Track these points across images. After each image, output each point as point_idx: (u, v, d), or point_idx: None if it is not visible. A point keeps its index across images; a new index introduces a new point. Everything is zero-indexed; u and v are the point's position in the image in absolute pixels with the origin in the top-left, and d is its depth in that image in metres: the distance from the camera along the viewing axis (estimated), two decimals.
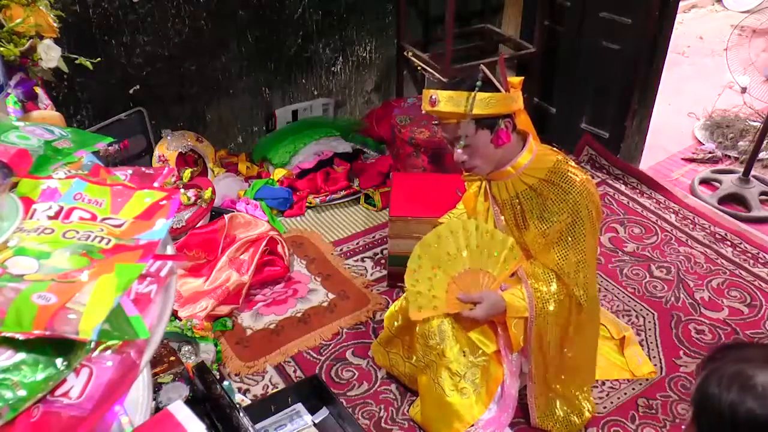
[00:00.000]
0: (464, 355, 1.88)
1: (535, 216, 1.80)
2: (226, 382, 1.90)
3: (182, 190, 2.74)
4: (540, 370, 1.91)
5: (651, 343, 2.35)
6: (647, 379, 2.21)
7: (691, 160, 3.50)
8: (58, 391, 0.70)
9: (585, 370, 2.01)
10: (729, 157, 3.49)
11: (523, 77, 1.81)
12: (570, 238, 1.79)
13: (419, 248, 1.90)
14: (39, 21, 1.47)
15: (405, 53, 3.38)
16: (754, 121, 3.67)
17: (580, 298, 1.83)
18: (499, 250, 1.86)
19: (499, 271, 1.87)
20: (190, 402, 1.27)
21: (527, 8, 3.56)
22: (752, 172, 3.17)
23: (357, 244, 2.86)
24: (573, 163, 1.83)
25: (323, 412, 2.00)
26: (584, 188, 1.76)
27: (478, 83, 1.70)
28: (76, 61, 1.63)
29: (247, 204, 2.89)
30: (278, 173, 3.13)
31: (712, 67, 4.41)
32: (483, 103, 1.69)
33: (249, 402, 2.04)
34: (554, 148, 1.89)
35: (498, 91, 1.72)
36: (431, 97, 1.76)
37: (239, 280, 2.45)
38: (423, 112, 1.87)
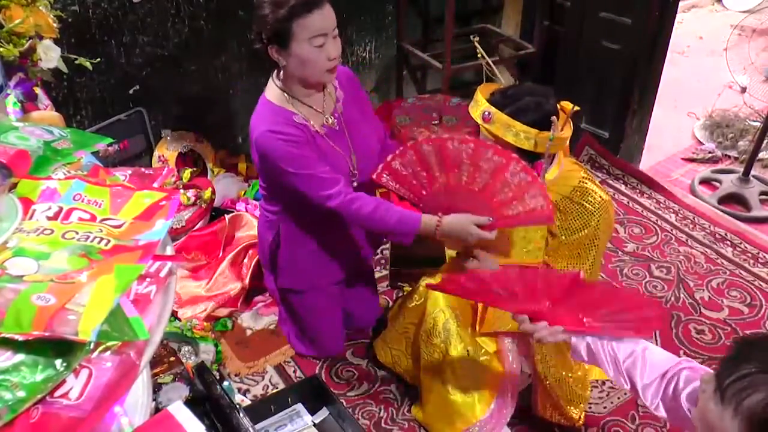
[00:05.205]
0: (468, 354, 1.89)
1: (553, 230, 1.80)
2: (226, 383, 1.89)
3: (182, 191, 2.73)
4: (541, 368, 1.91)
5: (651, 343, 2.34)
6: None
7: (691, 160, 3.49)
8: (58, 392, 0.70)
9: (583, 368, 2.01)
10: (729, 157, 3.49)
11: (578, 107, 1.75)
12: (578, 255, 1.80)
13: None
14: (38, 21, 1.47)
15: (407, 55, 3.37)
16: (754, 121, 3.66)
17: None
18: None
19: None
20: (189, 402, 1.27)
21: (527, 8, 3.56)
22: (752, 172, 3.16)
23: None
24: (597, 181, 1.83)
25: (323, 412, 2.00)
26: (605, 211, 1.77)
27: (552, 129, 1.62)
28: (76, 61, 1.63)
29: (247, 204, 2.88)
30: None
31: (712, 67, 4.40)
32: (544, 142, 1.64)
33: (249, 402, 2.04)
34: (578, 162, 1.88)
35: (554, 130, 1.64)
36: (486, 112, 1.64)
37: (241, 285, 2.45)
38: (471, 112, 1.71)
